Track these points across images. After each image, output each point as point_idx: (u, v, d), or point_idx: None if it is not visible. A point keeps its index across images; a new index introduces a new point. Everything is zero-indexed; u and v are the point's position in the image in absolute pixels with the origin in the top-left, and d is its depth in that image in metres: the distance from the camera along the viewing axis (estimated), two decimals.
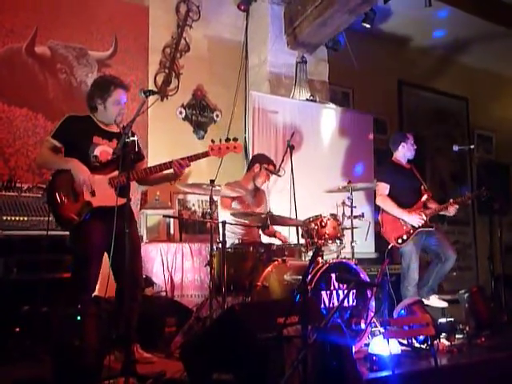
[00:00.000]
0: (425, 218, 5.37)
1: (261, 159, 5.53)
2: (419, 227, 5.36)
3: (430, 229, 5.44)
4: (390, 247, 5.49)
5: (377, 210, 5.76)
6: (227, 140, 4.06)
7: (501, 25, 7.99)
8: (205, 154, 4.01)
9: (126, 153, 3.50)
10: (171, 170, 3.94)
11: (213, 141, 4.08)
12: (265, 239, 5.43)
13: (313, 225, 4.69)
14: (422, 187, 5.61)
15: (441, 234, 5.61)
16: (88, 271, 3.70)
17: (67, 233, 3.89)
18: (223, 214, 5.07)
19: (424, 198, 5.51)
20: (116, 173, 3.71)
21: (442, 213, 5.57)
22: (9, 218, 4.38)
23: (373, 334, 4.38)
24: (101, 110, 3.92)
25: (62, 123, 3.86)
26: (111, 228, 3.59)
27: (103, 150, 3.83)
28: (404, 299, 5.17)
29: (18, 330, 4.07)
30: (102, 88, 3.92)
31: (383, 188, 5.53)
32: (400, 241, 5.37)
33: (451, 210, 5.51)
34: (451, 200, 5.54)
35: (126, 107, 4.00)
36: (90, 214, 3.68)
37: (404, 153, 5.68)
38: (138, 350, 3.92)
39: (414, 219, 5.34)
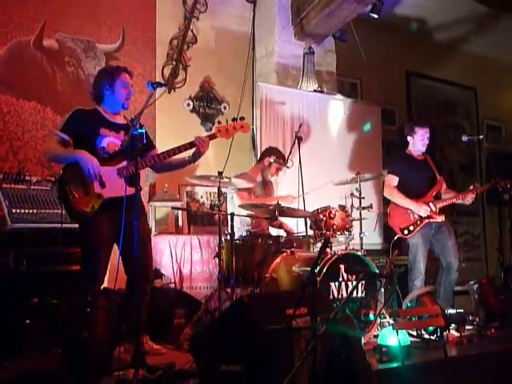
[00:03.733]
0: (433, 209, 5.29)
1: (273, 153, 5.50)
2: (426, 217, 5.30)
3: (438, 220, 5.36)
4: (396, 238, 5.46)
5: (386, 201, 5.69)
6: (234, 120, 4.04)
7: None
8: (212, 137, 3.99)
9: (134, 144, 3.50)
10: (183, 155, 3.95)
11: (219, 122, 4.07)
12: (273, 230, 5.43)
13: (321, 216, 4.69)
14: (437, 178, 5.52)
15: (448, 231, 5.47)
16: (97, 263, 3.71)
17: (76, 225, 3.90)
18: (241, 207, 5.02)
19: (435, 189, 5.45)
20: (124, 163, 3.73)
21: (459, 202, 5.49)
22: (18, 211, 4.40)
23: (382, 325, 4.37)
24: (108, 97, 3.93)
25: (69, 117, 3.88)
26: (120, 219, 3.62)
27: (110, 141, 3.84)
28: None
29: (28, 322, 4.09)
30: (109, 72, 3.98)
31: (391, 179, 5.47)
32: (406, 232, 5.31)
33: (469, 199, 5.40)
34: (471, 187, 5.46)
35: (132, 93, 4.00)
36: (101, 205, 3.69)
37: (412, 146, 5.57)
38: (148, 341, 3.94)
39: (420, 209, 5.27)
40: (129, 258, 3.60)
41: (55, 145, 3.82)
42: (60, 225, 4.06)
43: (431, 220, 5.32)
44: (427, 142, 5.55)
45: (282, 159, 5.45)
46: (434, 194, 5.42)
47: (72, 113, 3.90)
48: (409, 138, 5.57)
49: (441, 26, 8.26)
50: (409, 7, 7.68)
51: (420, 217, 5.30)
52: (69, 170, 3.73)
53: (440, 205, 5.36)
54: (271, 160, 5.38)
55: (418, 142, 5.53)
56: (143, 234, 3.70)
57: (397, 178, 5.45)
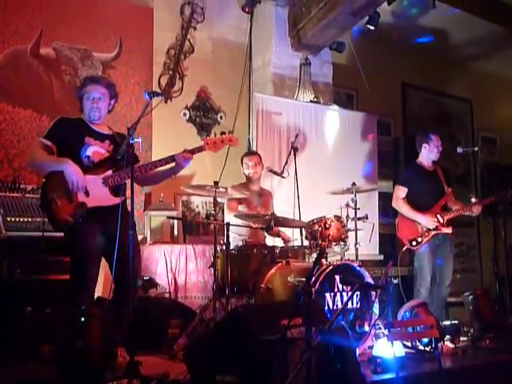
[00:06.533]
0: (441, 221, 5.34)
1: (242, 157, 5.53)
2: (434, 229, 5.34)
3: (447, 232, 5.41)
4: (404, 250, 5.47)
5: (395, 212, 5.71)
6: (223, 133, 4.05)
7: (505, 26, 7.97)
8: (200, 149, 3.98)
9: (128, 153, 3.50)
10: (168, 166, 3.95)
11: (207, 135, 4.08)
12: (269, 240, 5.43)
13: (316, 226, 4.69)
14: (446, 190, 5.55)
15: (451, 246, 5.55)
16: (86, 272, 3.66)
17: None
18: (229, 217, 5.06)
19: (442, 201, 5.48)
20: (109, 172, 3.72)
21: (466, 213, 5.52)
22: (13, 219, 4.39)
23: (377, 337, 4.36)
24: (83, 108, 3.94)
25: (54, 124, 3.86)
26: (107, 228, 3.61)
27: (95, 150, 3.81)
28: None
29: (22, 331, 4.07)
30: (80, 87, 4.00)
31: (399, 191, 5.54)
32: (414, 243, 5.36)
33: (475, 210, 5.45)
34: (474, 200, 5.51)
35: (100, 104, 3.91)
36: (84, 214, 3.64)
37: (427, 154, 5.62)
38: (123, 354, 3.77)
39: (428, 221, 5.33)
40: (117, 266, 3.57)
41: (39, 151, 3.77)
42: (57, 233, 4.05)
43: (439, 232, 5.37)
44: (441, 149, 5.62)
45: (247, 157, 5.48)
46: (441, 205, 5.47)
47: (57, 120, 3.89)
48: (424, 145, 5.63)
49: (437, 38, 8.30)
50: (405, 20, 7.72)
51: (428, 228, 5.35)
52: (53, 177, 3.69)
53: (448, 217, 5.41)
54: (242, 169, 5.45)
55: (434, 149, 5.60)
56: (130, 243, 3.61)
57: (405, 189, 5.52)
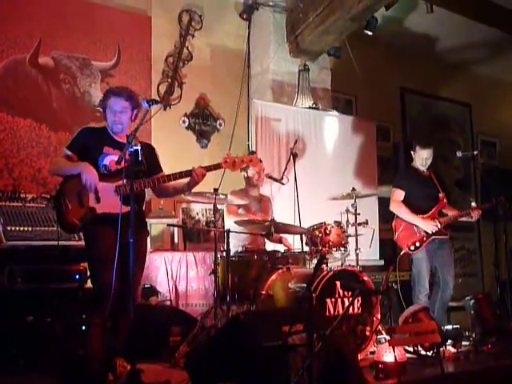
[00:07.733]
0: (439, 226, 5.31)
1: None
2: (433, 234, 5.31)
3: (444, 237, 5.40)
4: (401, 254, 5.44)
5: (391, 216, 5.64)
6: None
7: (503, 31, 8.00)
8: (217, 166, 3.99)
9: (131, 162, 3.52)
10: (183, 181, 3.97)
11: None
12: (270, 246, 5.42)
13: (317, 232, 4.69)
14: (440, 195, 5.50)
15: (449, 248, 5.53)
16: (107, 272, 3.57)
17: (72, 243, 3.90)
18: (230, 221, 5.05)
19: (439, 206, 5.45)
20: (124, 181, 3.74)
21: (464, 219, 5.50)
22: (13, 229, 4.39)
23: (378, 342, 4.36)
24: (106, 120, 4.00)
25: (76, 134, 3.96)
26: (121, 235, 3.61)
27: (113, 159, 3.83)
28: None
29: (23, 340, 4.06)
30: (103, 98, 4.04)
31: (397, 194, 5.48)
32: (413, 248, 5.30)
33: (474, 215, 5.43)
34: (473, 205, 5.49)
35: (122, 117, 3.92)
36: (92, 219, 3.70)
37: (415, 161, 5.58)
38: (123, 363, 3.68)
39: (428, 225, 5.29)
40: (122, 275, 3.57)
41: (60, 159, 3.94)
42: (56, 242, 4.07)
43: (437, 237, 5.34)
44: (427, 163, 5.54)
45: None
46: (438, 210, 5.44)
47: (80, 131, 3.98)
48: (412, 152, 5.61)
49: (435, 43, 8.33)
50: (402, 24, 7.75)
51: (426, 233, 5.31)
52: (68, 181, 3.78)
53: (445, 222, 5.38)
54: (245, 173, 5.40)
55: (418, 160, 5.54)
56: (137, 254, 3.63)
57: (403, 193, 5.46)
